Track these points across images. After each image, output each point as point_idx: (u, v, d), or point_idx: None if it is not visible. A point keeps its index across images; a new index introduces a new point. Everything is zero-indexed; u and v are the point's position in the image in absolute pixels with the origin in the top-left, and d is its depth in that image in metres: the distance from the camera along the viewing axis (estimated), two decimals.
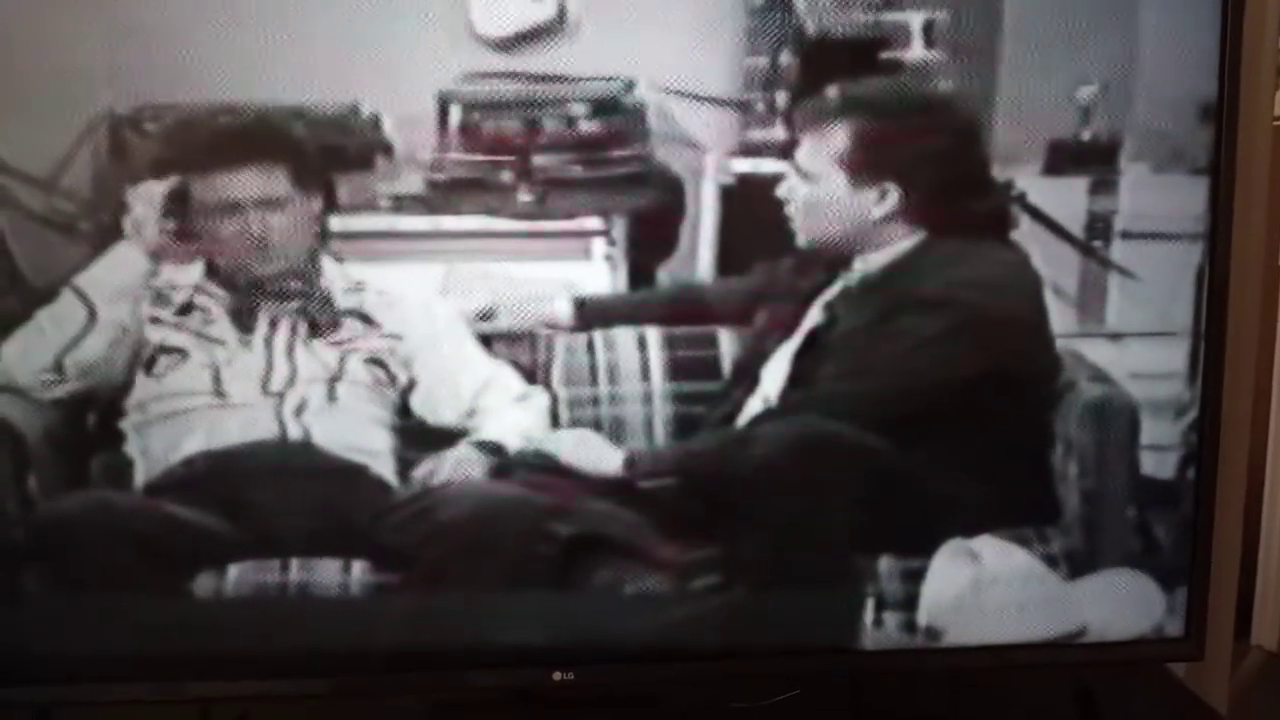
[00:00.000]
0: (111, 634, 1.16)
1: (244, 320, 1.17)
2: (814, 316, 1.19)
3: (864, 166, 1.15)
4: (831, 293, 1.20)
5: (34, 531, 1.14)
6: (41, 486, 1.15)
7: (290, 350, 1.17)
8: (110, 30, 1.09)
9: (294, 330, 1.17)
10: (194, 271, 1.16)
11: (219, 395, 1.16)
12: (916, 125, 1.16)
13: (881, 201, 1.16)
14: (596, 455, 1.18)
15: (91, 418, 1.16)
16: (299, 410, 1.17)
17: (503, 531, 1.18)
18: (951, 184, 1.18)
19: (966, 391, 1.19)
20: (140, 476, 1.16)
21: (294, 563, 1.17)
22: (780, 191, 1.16)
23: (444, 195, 1.14)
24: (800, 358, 1.19)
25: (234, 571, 1.16)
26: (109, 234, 1.12)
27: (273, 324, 1.17)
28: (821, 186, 1.16)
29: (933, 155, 1.16)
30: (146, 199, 1.11)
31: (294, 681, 1.19)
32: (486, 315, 1.16)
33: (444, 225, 1.15)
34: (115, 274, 1.13)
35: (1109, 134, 1.18)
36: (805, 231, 1.17)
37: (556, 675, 1.20)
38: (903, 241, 1.18)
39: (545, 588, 1.19)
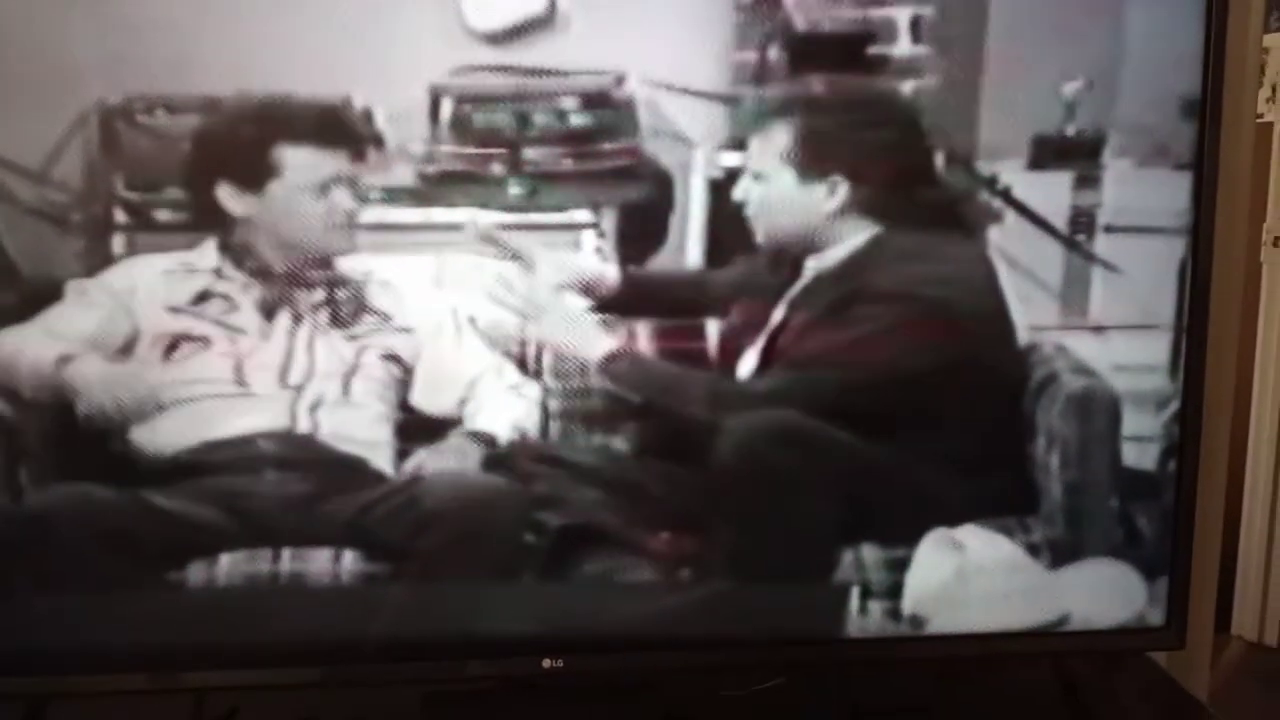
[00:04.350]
0: (107, 624, 1.17)
1: (265, 310, 1.17)
2: (780, 312, 1.21)
3: (810, 162, 1.16)
4: (796, 289, 1.21)
5: (28, 521, 1.14)
6: (35, 477, 1.15)
7: (309, 343, 1.17)
8: (102, 21, 1.09)
9: (314, 322, 1.17)
10: (208, 254, 1.16)
11: (237, 385, 1.16)
12: (859, 119, 1.17)
13: (831, 196, 1.18)
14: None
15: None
16: (314, 406, 1.17)
17: (492, 521, 1.19)
18: (901, 177, 1.19)
19: (939, 383, 1.20)
20: (143, 463, 1.16)
21: (289, 553, 1.17)
22: (736, 194, 1.17)
23: (435, 187, 1.15)
24: (768, 351, 1.20)
25: (229, 562, 1.17)
26: (101, 226, 1.12)
27: (295, 316, 1.17)
28: (772, 185, 1.17)
29: (879, 148, 1.17)
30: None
31: (288, 671, 1.20)
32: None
33: (445, 218, 1.16)
34: (133, 274, 1.14)
35: (1094, 129, 1.19)
36: (764, 231, 1.18)
37: (546, 663, 1.21)
38: (858, 235, 1.19)
39: (535, 577, 1.20)
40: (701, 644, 1.24)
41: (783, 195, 1.18)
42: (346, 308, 1.18)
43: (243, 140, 1.12)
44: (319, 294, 1.18)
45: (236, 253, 1.16)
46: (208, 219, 1.14)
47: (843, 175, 1.17)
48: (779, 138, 1.16)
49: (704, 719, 1.30)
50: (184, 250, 1.15)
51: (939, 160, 1.18)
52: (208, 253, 1.16)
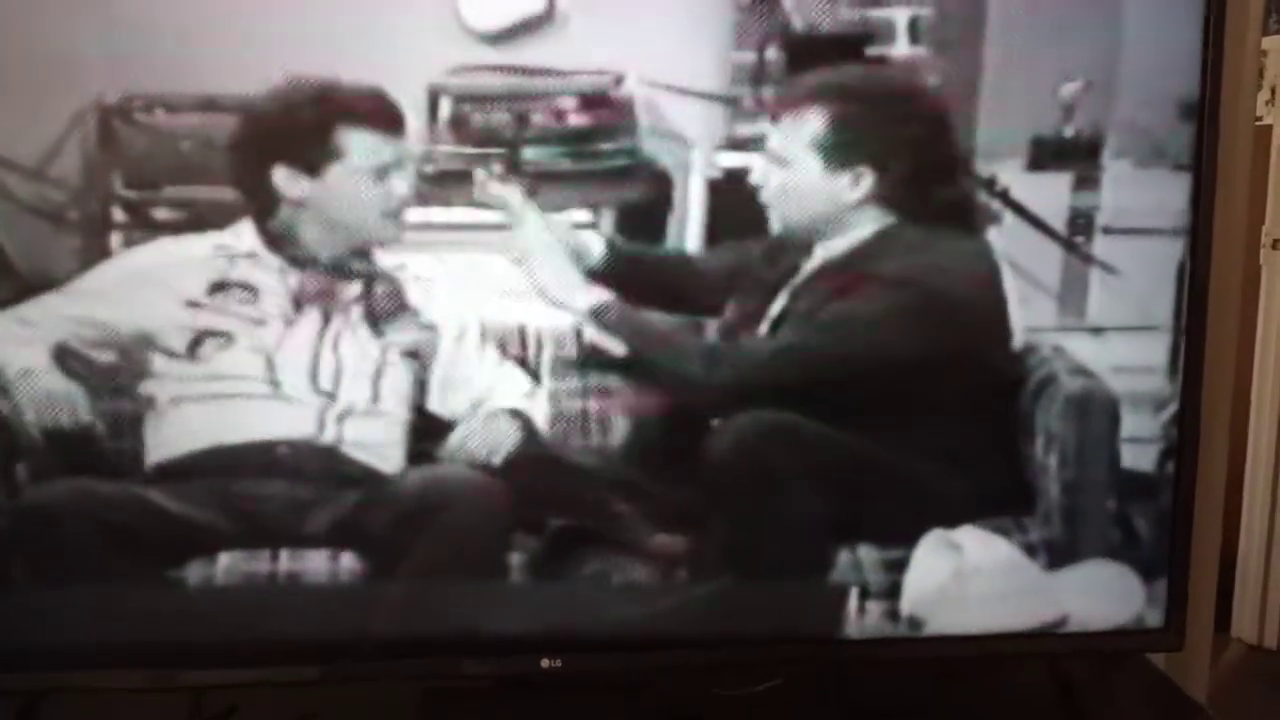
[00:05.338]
0: (104, 621, 1.17)
1: (296, 303, 1.16)
2: (780, 302, 1.21)
3: (838, 151, 1.16)
4: (799, 279, 1.21)
5: (26, 516, 1.14)
6: (33, 471, 1.14)
7: (336, 341, 1.17)
8: (102, 19, 1.09)
9: (346, 319, 1.17)
10: (245, 236, 1.14)
11: (269, 383, 1.16)
12: (890, 112, 1.17)
13: (856, 186, 1.18)
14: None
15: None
16: (343, 415, 1.17)
17: (492, 520, 1.19)
18: (928, 171, 1.18)
19: (936, 382, 1.20)
20: (154, 456, 1.16)
21: (288, 552, 1.17)
22: (754, 178, 1.17)
23: (432, 187, 1.15)
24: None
25: (229, 560, 1.17)
26: (98, 224, 1.12)
27: (326, 313, 1.17)
28: (795, 171, 1.17)
29: (906, 141, 1.17)
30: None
31: (286, 669, 1.20)
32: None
33: (443, 217, 1.16)
34: (155, 261, 1.13)
35: (1092, 130, 1.19)
36: (779, 218, 1.18)
37: (545, 662, 1.21)
38: (867, 226, 1.19)
39: (533, 576, 1.20)
40: (699, 644, 1.24)
41: (805, 182, 1.17)
42: (383, 302, 1.17)
43: (306, 122, 1.12)
44: (357, 286, 1.17)
45: (275, 238, 1.15)
46: (233, 208, 1.13)
47: (869, 166, 1.17)
48: (811, 123, 1.16)
49: (702, 719, 1.30)
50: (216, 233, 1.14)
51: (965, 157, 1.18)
52: (245, 236, 1.14)
